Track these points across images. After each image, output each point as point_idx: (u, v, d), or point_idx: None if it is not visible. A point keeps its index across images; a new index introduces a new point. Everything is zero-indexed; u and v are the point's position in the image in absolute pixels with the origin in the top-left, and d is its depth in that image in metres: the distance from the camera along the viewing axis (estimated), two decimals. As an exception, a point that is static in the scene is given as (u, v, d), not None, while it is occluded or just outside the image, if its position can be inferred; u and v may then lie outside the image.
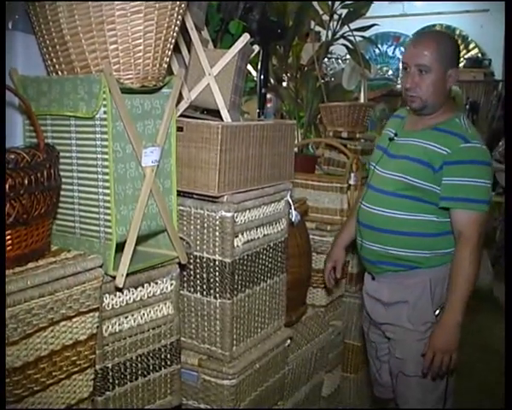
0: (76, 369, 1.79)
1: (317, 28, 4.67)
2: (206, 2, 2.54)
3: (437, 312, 2.39)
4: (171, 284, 2.12)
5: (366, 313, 2.70)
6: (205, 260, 2.27)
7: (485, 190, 2.30)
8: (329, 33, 4.39)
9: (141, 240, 2.04)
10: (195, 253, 2.29)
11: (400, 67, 2.53)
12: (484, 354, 4.48)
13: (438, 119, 2.42)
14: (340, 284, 3.38)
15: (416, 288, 2.43)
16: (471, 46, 8.11)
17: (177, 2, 1.85)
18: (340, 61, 5.59)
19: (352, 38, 4.30)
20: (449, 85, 2.40)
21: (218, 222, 2.21)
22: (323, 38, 4.62)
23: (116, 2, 1.72)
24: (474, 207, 2.29)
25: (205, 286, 2.30)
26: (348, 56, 4.79)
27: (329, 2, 4.35)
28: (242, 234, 2.29)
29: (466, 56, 7.99)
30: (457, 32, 8.23)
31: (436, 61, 2.33)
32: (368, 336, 2.76)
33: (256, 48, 2.59)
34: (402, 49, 8.27)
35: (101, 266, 1.81)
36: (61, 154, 1.86)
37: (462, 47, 8.18)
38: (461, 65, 7.86)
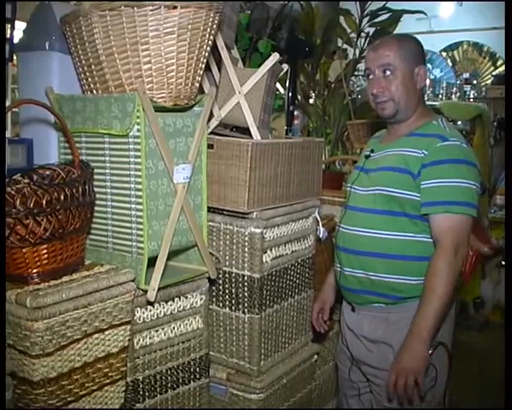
0: (108, 381, 1.84)
1: (345, 46, 4.69)
2: (236, 22, 2.58)
3: (429, 351, 2.04)
4: (201, 299, 2.15)
5: (346, 347, 2.35)
6: (234, 275, 2.30)
7: (466, 191, 2.02)
8: (357, 51, 4.41)
9: (171, 255, 2.08)
10: (225, 268, 2.32)
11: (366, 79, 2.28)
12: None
13: (414, 124, 2.18)
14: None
15: (402, 326, 2.09)
16: (499, 63, 8.04)
17: (209, 24, 1.89)
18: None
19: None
20: (419, 85, 2.17)
21: (247, 238, 2.24)
22: (351, 56, 4.64)
23: (150, 24, 1.77)
24: (454, 210, 2.01)
25: (233, 301, 2.32)
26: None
27: (357, 21, 4.37)
28: (271, 250, 2.32)
29: (494, 73, 7.92)
30: (485, 49, 8.16)
31: (400, 60, 2.12)
32: (348, 375, 2.37)
33: (285, 66, 2.62)
34: (429, 65, 8.23)
35: (133, 281, 1.86)
36: (95, 170, 1.91)
37: (489, 64, 8.12)
38: (488, 82, 7.83)
